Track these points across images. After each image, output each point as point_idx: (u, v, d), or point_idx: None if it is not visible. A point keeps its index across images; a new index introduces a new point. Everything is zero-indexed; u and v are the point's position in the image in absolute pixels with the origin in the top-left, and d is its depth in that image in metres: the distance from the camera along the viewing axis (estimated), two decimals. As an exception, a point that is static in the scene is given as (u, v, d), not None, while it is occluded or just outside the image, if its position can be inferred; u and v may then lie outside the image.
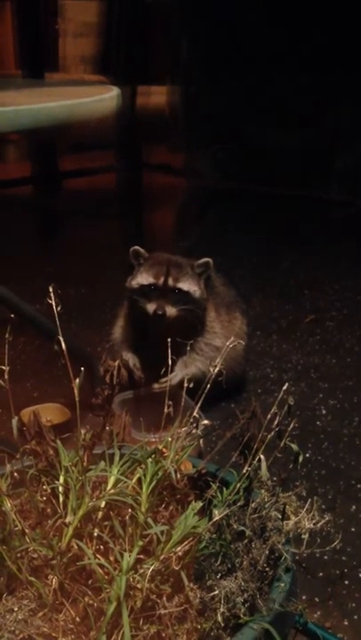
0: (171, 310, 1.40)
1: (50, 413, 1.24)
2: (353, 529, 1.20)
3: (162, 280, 1.42)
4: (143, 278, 1.44)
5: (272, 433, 0.70)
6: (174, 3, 3.28)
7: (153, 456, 0.71)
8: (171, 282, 1.42)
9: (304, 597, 1.03)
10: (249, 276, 2.35)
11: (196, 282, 1.47)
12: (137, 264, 1.49)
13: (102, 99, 1.15)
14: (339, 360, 1.83)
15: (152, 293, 1.42)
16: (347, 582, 1.09)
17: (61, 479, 0.73)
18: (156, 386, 1.41)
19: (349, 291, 2.30)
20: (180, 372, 1.41)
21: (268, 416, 0.70)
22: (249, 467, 0.68)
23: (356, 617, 1.03)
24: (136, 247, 1.48)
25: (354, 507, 1.26)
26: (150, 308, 1.41)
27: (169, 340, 0.83)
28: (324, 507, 1.24)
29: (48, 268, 2.42)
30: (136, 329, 1.50)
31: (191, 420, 0.73)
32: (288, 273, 2.47)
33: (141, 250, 1.48)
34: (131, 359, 1.46)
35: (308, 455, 1.40)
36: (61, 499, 0.71)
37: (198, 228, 2.80)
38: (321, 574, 1.09)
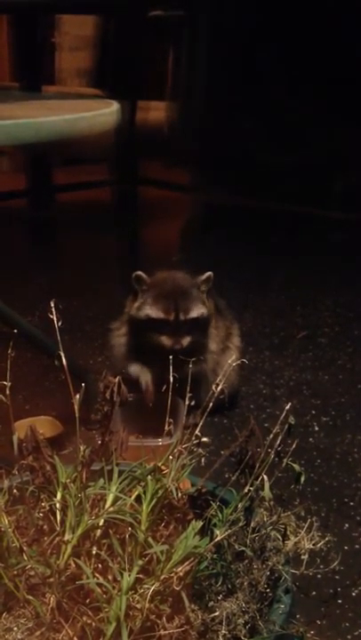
0: (186, 341, 1.41)
1: (42, 426, 1.23)
2: (346, 547, 1.20)
3: (173, 315, 1.42)
4: (152, 311, 1.42)
5: (272, 452, 0.70)
6: (173, 19, 3.31)
7: (153, 474, 0.71)
8: (182, 316, 1.42)
9: (298, 616, 1.02)
10: (241, 291, 2.35)
11: (203, 302, 1.46)
12: (140, 290, 1.46)
13: (103, 113, 1.15)
14: (331, 377, 1.84)
15: (164, 328, 1.42)
16: (340, 601, 1.08)
17: (59, 496, 0.72)
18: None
19: (342, 307, 2.31)
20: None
21: (271, 436, 0.70)
22: (251, 486, 0.67)
23: (349, 637, 1.02)
24: (138, 273, 1.45)
25: (347, 525, 1.26)
26: (166, 342, 1.41)
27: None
28: (318, 524, 1.24)
29: (40, 280, 2.42)
30: (140, 344, 1.48)
31: (193, 437, 0.73)
32: (281, 289, 2.48)
33: (144, 275, 1.45)
34: (142, 375, 1.44)
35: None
36: (59, 516, 0.71)
37: (198, 243, 2.81)
38: (314, 593, 1.08)
